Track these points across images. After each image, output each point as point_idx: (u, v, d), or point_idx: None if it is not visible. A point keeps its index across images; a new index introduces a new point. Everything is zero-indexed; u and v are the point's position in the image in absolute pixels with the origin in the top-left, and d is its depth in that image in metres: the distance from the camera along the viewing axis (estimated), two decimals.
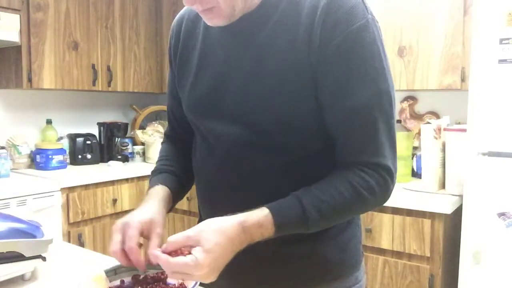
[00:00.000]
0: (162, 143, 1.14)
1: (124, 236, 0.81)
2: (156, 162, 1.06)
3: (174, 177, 1.01)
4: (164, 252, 0.73)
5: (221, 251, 0.73)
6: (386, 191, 0.84)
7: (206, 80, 0.90)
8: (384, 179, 0.82)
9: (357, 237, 0.98)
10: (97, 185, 2.56)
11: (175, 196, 0.98)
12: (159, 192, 0.95)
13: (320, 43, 0.78)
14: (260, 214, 0.77)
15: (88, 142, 2.98)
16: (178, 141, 1.10)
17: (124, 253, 0.80)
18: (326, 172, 0.85)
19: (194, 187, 1.07)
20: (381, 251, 2.06)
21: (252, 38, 0.84)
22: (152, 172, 1.04)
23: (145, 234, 0.83)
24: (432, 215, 1.92)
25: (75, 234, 2.46)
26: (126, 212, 3.04)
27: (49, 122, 2.90)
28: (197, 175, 1.00)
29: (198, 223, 1.04)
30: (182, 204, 2.81)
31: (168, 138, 1.13)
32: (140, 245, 0.81)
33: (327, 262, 0.92)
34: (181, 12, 1.00)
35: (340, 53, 0.78)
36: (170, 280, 0.85)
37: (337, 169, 0.84)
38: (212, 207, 0.97)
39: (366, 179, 0.81)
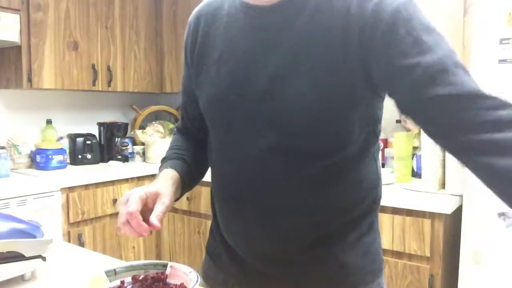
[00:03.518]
0: (173, 135, 1.10)
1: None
2: (167, 151, 1.02)
3: (184, 164, 0.96)
4: None
5: None
6: None
7: (228, 75, 0.86)
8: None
9: (377, 242, 0.94)
10: (97, 185, 2.56)
11: (184, 182, 0.94)
12: (168, 173, 0.91)
13: (362, 33, 0.74)
14: None
15: (88, 142, 2.98)
16: (190, 135, 1.06)
17: (128, 223, 0.76)
18: (358, 179, 0.83)
19: (194, 187, 1.06)
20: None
21: (282, 32, 0.80)
22: (162, 159, 0.99)
23: (150, 206, 0.80)
24: (432, 215, 1.92)
25: (75, 234, 2.46)
26: None
27: (49, 122, 2.90)
28: (213, 176, 0.96)
29: (211, 225, 1.02)
30: (182, 204, 2.81)
31: (179, 131, 1.09)
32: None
33: (348, 268, 0.89)
34: (197, 9, 0.96)
35: (394, 27, 0.73)
36: (170, 280, 0.85)
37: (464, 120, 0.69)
38: (227, 208, 0.94)
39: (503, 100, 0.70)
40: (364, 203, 0.89)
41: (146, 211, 0.79)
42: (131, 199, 0.78)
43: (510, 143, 0.64)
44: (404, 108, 0.75)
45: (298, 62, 0.78)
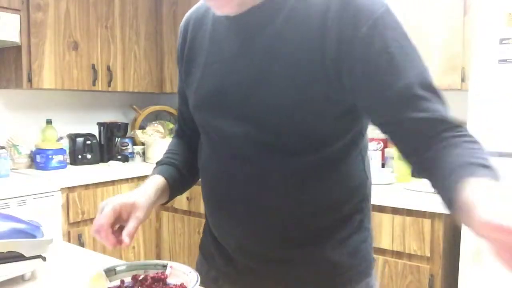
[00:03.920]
0: (172, 138, 1.13)
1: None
2: (162, 155, 1.06)
3: (174, 169, 1.00)
4: None
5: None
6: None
7: (213, 77, 0.88)
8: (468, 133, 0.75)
9: (368, 241, 0.94)
10: (97, 185, 2.56)
11: (173, 187, 0.97)
12: (153, 180, 0.95)
13: (340, 37, 0.76)
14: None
15: (88, 142, 2.98)
16: (186, 138, 1.08)
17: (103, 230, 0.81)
18: (343, 177, 0.83)
19: (192, 187, 1.07)
20: (381, 251, 2.06)
21: (260, 34, 0.82)
22: (156, 163, 1.03)
23: (124, 217, 0.83)
24: (432, 215, 1.92)
25: (75, 234, 2.46)
26: None
27: (49, 122, 2.90)
28: (202, 176, 0.98)
29: (204, 225, 1.04)
30: (182, 204, 2.81)
31: (177, 135, 1.12)
32: (118, 226, 0.83)
33: (336, 267, 0.90)
34: (188, 13, 1.00)
35: (371, 40, 0.75)
36: (170, 280, 0.85)
37: (434, 147, 0.74)
38: (217, 207, 0.96)
39: (464, 132, 0.74)
40: (351, 202, 0.90)
41: (120, 220, 0.83)
42: (105, 210, 0.82)
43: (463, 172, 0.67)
44: (375, 122, 0.81)
45: (277, 63, 0.80)
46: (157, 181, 0.95)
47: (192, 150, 1.03)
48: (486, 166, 0.68)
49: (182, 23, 1.00)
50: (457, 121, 0.75)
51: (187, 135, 1.08)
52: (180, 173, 1.00)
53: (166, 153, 1.06)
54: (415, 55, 0.78)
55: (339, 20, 0.76)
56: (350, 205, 0.90)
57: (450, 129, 0.74)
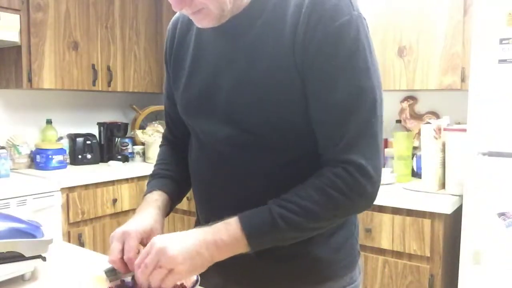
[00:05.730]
0: (160, 145, 1.15)
1: (124, 246, 0.84)
2: (155, 165, 1.08)
3: (172, 182, 1.02)
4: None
5: (175, 234, 0.78)
6: (359, 191, 0.81)
7: (199, 81, 0.91)
8: (353, 177, 0.79)
9: (353, 236, 0.97)
10: (97, 185, 2.56)
11: (173, 200, 1.01)
12: (158, 198, 0.97)
13: (303, 40, 0.79)
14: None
15: (88, 142, 2.98)
16: (175, 143, 1.10)
17: (123, 262, 0.83)
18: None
19: (185, 195, 1.09)
20: (381, 251, 2.06)
21: (241, 38, 0.85)
22: (151, 175, 1.05)
23: (144, 243, 0.86)
24: (432, 215, 1.92)
25: (75, 234, 2.46)
26: (126, 212, 3.03)
27: (49, 122, 2.90)
28: (192, 175, 1.02)
29: (195, 223, 1.05)
30: (182, 204, 2.80)
31: (166, 140, 1.14)
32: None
33: (321, 262, 0.92)
34: (176, 15, 1.01)
35: (322, 49, 0.78)
36: None
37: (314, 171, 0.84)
38: (207, 206, 0.99)
39: (331, 178, 0.80)
40: None
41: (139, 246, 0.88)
42: (129, 243, 0.86)
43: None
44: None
45: (257, 66, 0.83)
46: (162, 200, 0.98)
47: (182, 156, 1.05)
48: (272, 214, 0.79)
49: (169, 26, 1.02)
50: (349, 157, 0.79)
51: (177, 139, 1.10)
52: (177, 183, 1.03)
53: (158, 164, 1.08)
54: (359, 74, 0.79)
55: (306, 26, 0.78)
56: None
57: (332, 164, 0.81)
